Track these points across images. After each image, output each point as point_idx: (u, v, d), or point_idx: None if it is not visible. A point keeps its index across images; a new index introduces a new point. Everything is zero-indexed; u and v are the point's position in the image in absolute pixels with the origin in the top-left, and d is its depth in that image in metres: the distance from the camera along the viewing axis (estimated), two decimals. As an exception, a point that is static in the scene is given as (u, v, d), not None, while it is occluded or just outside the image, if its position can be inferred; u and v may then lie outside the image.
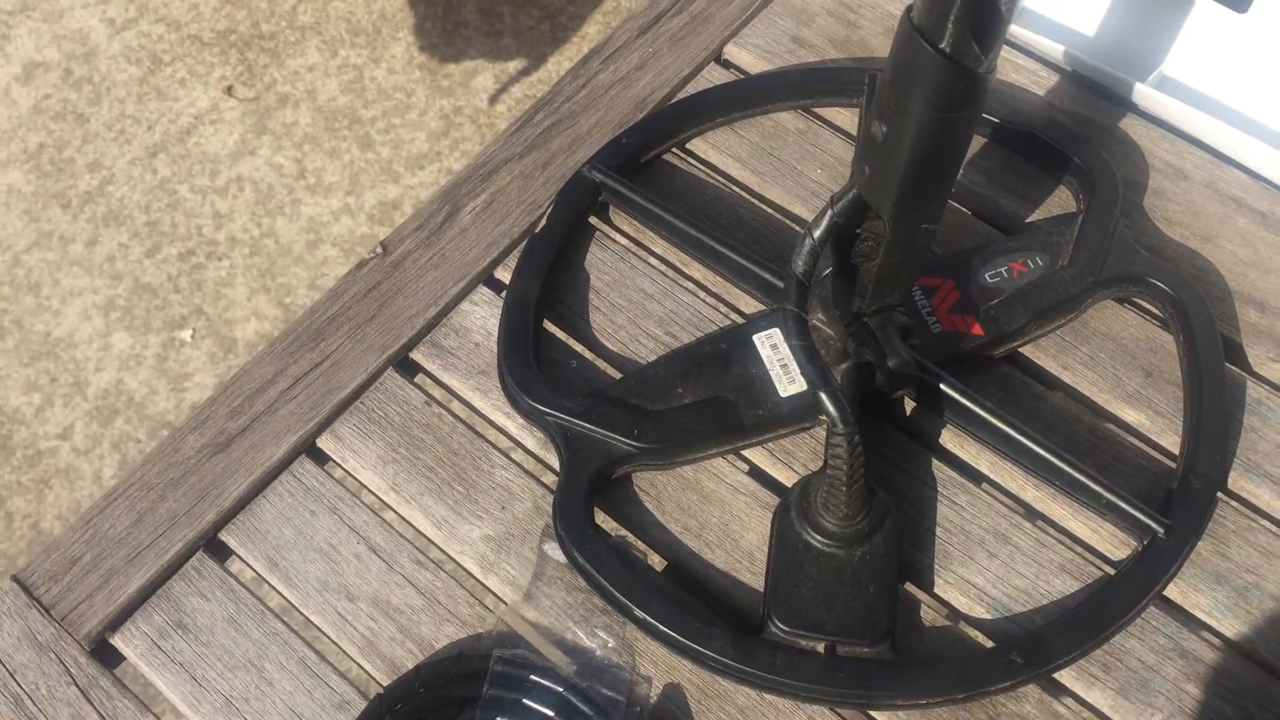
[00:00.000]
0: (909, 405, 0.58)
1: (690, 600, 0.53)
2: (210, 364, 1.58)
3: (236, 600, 0.54)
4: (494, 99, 1.78)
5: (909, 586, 0.54)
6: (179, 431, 0.59)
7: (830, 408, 0.49)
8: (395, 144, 1.75)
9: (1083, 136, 0.63)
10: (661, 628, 0.51)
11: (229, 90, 1.82)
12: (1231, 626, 0.52)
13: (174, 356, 1.59)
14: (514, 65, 1.81)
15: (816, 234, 0.51)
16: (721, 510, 0.55)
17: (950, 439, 0.57)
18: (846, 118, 0.66)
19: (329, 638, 0.54)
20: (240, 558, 0.56)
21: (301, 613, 0.54)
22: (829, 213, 0.50)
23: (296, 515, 0.56)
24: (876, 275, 0.52)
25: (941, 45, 0.42)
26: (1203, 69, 0.63)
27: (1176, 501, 0.53)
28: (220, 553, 0.56)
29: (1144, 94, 0.63)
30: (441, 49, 1.83)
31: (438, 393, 0.60)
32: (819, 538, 0.52)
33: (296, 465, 0.57)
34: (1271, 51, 0.60)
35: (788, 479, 0.56)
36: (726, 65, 0.69)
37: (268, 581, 0.55)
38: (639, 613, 0.51)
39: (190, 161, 1.75)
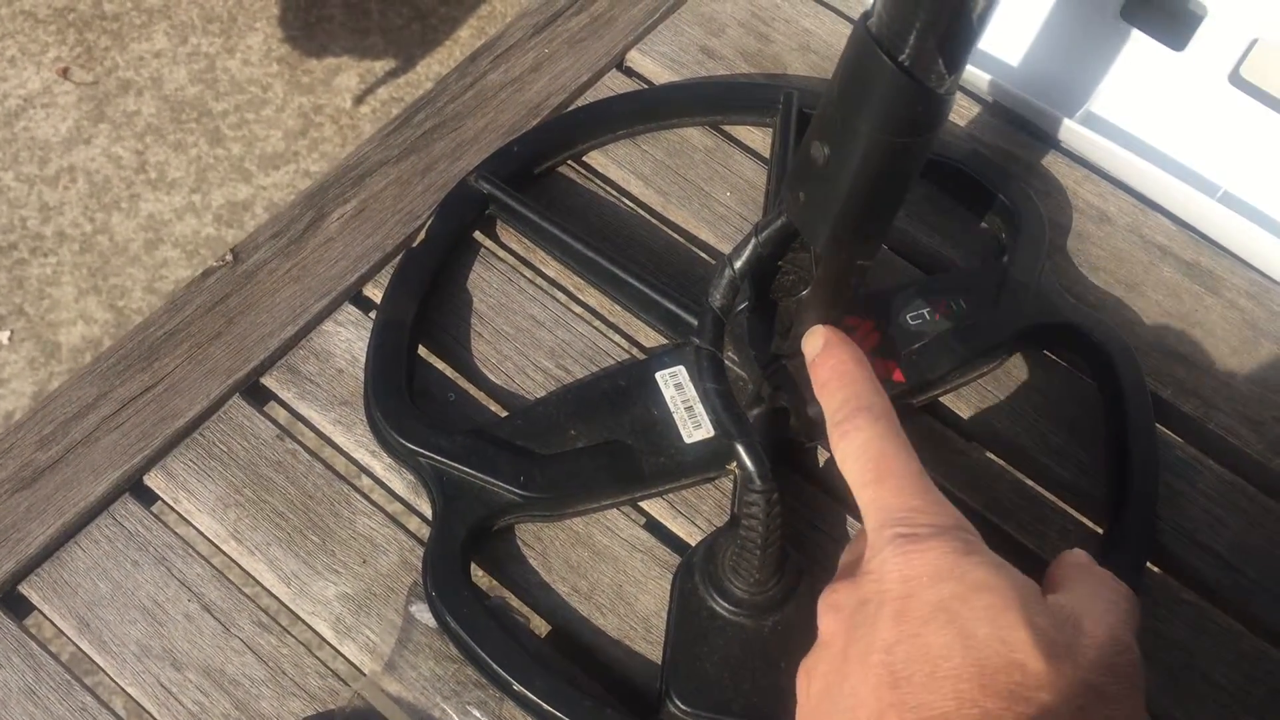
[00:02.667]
0: (822, 456, 0.53)
1: (578, 673, 0.47)
2: (29, 369, 1.44)
3: (37, 666, 0.46)
4: (359, 100, 1.69)
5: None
6: (-25, 462, 0.50)
7: (748, 461, 0.44)
8: (248, 141, 1.64)
9: (1009, 172, 0.59)
10: (545, 705, 0.45)
11: (64, 72, 1.68)
12: (1161, 707, 0.48)
13: (-12, 359, 1.45)
14: (381, 65, 1.72)
15: (738, 265, 0.45)
16: (615, 569, 0.49)
17: (866, 495, 0.52)
18: (759, 138, 0.61)
19: (149, 714, 0.45)
20: (44, 615, 0.47)
21: (117, 683, 0.46)
22: (753, 241, 0.45)
23: (115, 566, 0.48)
24: (800, 314, 0.47)
25: (901, 59, 0.37)
26: (1132, 108, 0.60)
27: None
28: (19, 609, 0.47)
29: (1070, 131, 0.59)
30: (303, 43, 1.73)
31: (292, 425, 0.52)
32: (726, 605, 0.47)
33: (118, 507, 0.49)
34: (1203, 93, 0.57)
35: (690, 535, 0.51)
36: (629, 73, 0.63)
37: (76, 645, 0.46)
38: (518, 687, 0.45)
39: (17, 147, 1.61)
